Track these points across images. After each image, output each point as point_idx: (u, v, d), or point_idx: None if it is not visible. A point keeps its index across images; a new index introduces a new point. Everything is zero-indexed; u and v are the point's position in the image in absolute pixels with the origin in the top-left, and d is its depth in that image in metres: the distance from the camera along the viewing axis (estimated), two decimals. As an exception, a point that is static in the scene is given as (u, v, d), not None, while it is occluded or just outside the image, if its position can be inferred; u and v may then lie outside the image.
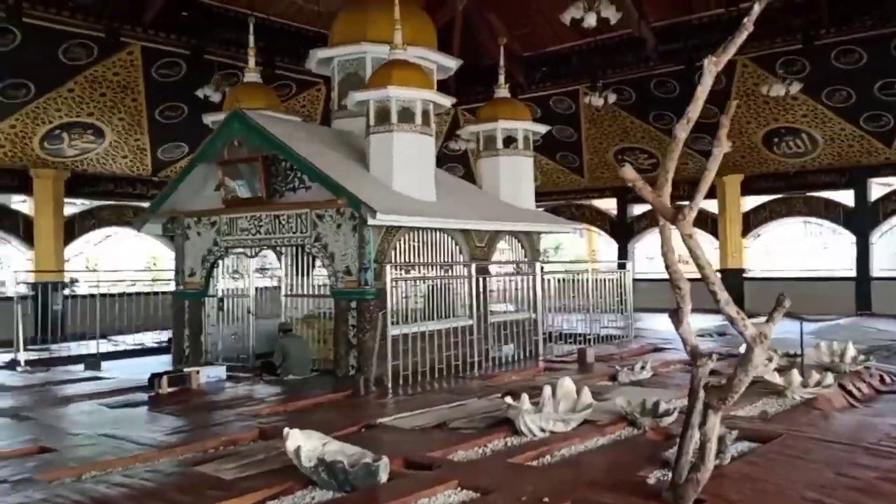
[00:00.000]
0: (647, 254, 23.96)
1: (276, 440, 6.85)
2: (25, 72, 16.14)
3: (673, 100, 19.50)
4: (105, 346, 15.30)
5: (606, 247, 26.07)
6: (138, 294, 18.30)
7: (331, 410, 8.31)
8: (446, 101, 12.75)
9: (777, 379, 8.50)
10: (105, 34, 15.86)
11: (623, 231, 23.79)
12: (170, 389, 9.46)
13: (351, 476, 5.22)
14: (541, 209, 25.09)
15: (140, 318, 16.88)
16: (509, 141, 14.72)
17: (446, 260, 12.56)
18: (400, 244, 11.78)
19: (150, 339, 16.55)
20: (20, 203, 19.35)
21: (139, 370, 11.72)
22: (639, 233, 23.66)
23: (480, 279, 12.58)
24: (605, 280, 14.98)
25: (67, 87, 17.05)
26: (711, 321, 17.96)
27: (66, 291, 17.28)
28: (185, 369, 9.92)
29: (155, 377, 9.58)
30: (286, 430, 5.59)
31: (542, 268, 13.76)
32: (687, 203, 4.47)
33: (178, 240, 13.59)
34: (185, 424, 7.64)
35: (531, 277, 13.74)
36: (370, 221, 10.67)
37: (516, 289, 13.84)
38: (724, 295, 4.33)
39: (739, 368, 4.50)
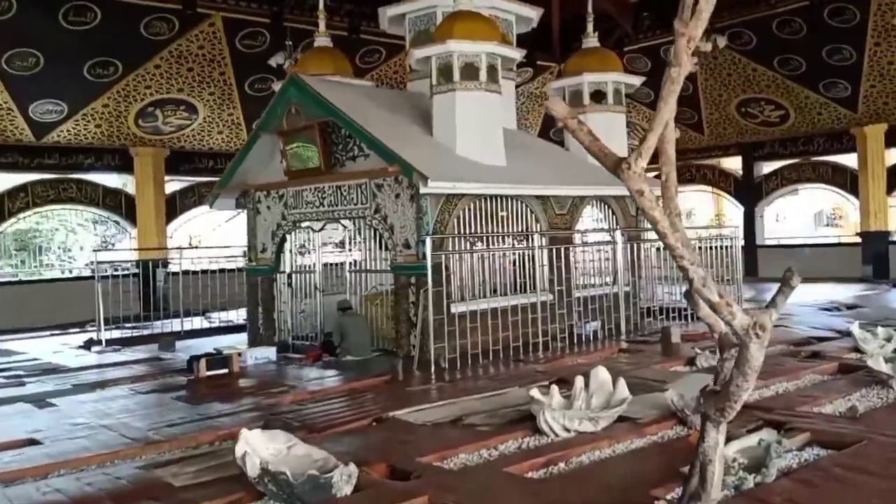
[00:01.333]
0: (777, 216, 21.94)
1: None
2: (110, 49, 16.32)
3: (800, 41, 17.48)
4: (198, 324, 15.37)
5: (737, 211, 24.19)
6: (238, 270, 18.33)
7: (356, 398, 7.67)
8: (514, 54, 11.74)
9: (883, 366, 7.12)
10: (182, 5, 15.76)
11: (749, 192, 21.82)
12: (208, 373, 9.12)
13: (297, 489, 4.53)
14: (652, 172, 23.66)
15: (238, 294, 16.78)
16: (599, 96, 13.51)
17: (520, 230, 11.64)
18: (464, 214, 10.96)
19: (241, 316, 16.51)
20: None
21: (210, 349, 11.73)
22: (768, 194, 21.62)
23: (556, 251, 11.58)
24: (708, 247, 13.53)
25: (154, 64, 17.16)
26: (846, 291, 16.19)
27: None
28: (225, 351, 9.55)
29: (193, 360, 9.27)
30: (243, 430, 4.96)
31: (627, 235, 12.55)
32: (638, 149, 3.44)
33: (250, 214, 13.33)
34: (196, 414, 7.21)
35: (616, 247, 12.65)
36: (422, 189, 9.92)
37: (605, 260, 12.78)
38: (698, 272, 3.27)
39: (735, 371, 3.45)
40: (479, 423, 6.29)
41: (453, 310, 10.34)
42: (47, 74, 16.16)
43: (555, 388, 6.24)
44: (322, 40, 14.11)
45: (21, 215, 18.50)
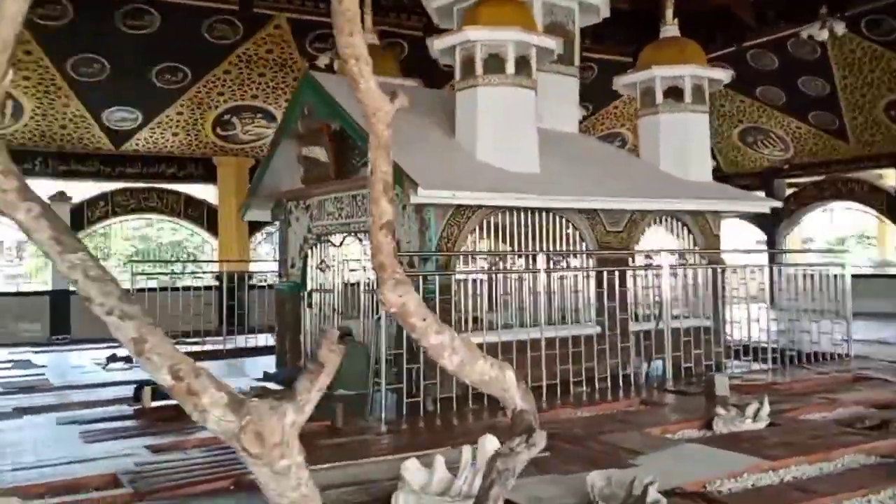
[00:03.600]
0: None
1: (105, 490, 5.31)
2: (176, 54, 16.15)
3: (954, 27, 14.71)
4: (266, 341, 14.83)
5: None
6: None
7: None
8: (548, 43, 10.18)
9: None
10: (239, 6, 15.32)
11: (905, 211, 18.80)
12: (155, 403, 8.24)
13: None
14: (795, 187, 21.06)
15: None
16: (676, 94, 11.69)
17: (558, 249, 10.11)
18: (482, 229, 9.62)
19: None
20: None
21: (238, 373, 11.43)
22: (929, 213, 18.55)
23: (605, 275, 9.99)
24: (809, 276, 11.36)
25: (223, 69, 16.88)
26: None
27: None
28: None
29: (139, 387, 8.43)
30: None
31: (707, 259, 10.73)
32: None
33: (282, 226, 12.56)
34: (69, 456, 6.29)
35: (704, 271, 10.91)
36: (413, 198, 8.64)
37: (681, 287, 11.00)
38: (126, 331, 1.87)
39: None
40: (336, 499, 4.95)
41: (460, 341, 9.02)
42: (115, 81, 16.18)
43: (440, 459, 4.82)
44: (367, 38, 13.13)
45: (99, 225, 18.74)
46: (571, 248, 10.24)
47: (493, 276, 9.64)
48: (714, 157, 21.29)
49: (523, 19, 9.99)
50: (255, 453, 2.02)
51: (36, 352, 14.32)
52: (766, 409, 6.67)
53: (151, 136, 17.87)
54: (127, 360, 12.81)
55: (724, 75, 11.93)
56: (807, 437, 6.15)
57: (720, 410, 6.82)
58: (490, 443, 4.72)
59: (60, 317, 17.28)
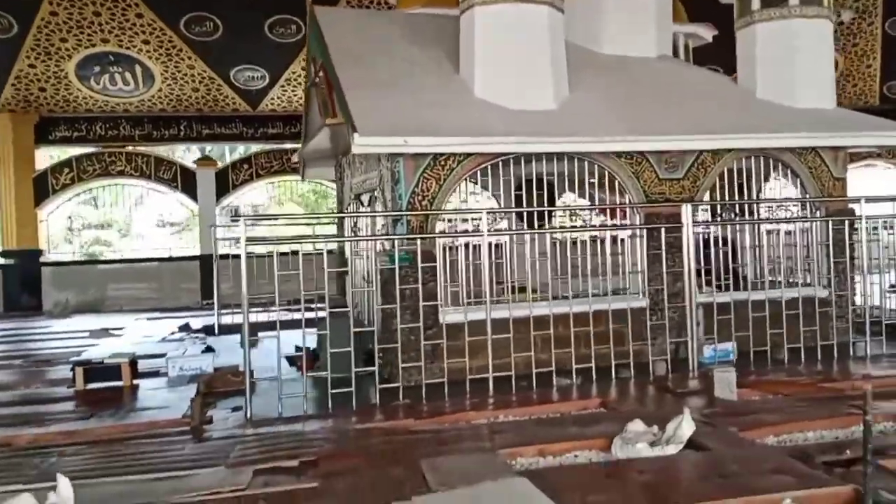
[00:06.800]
0: None
1: None
2: (283, 4, 15.82)
3: None
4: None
5: None
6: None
7: (94, 450, 5.71)
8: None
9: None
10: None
11: None
12: (88, 386, 7.79)
13: None
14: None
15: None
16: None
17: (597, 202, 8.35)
18: (470, 182, 8.14)
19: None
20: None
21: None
22: None
23: (651, 234, 8.11)
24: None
25: (301, 66, 16.28)
26: None
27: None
28: (118, 360, 8.03)
29: (75, 367, 8.00)
30: None
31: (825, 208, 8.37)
32: None
33: (338, 185, 11.81)
34: None
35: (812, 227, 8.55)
36: (353, 148, 7.37)
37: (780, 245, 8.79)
38: None
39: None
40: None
41: (443, 319, 7.71)
42: (230, 38, 16.20)
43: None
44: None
45: (245, 188, 19.05)
46: (602, 203, 8.38)
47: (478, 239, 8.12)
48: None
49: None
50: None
51: (150, 318, 14.79)
52: (687, 427, 4.72)
53: (284, 95, 17.78)
54: (197, 331, 12.75)
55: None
56: (716, 476, 4.21)
57: (629, 427, 4.96)
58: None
59: (208, 282, 17.85)
